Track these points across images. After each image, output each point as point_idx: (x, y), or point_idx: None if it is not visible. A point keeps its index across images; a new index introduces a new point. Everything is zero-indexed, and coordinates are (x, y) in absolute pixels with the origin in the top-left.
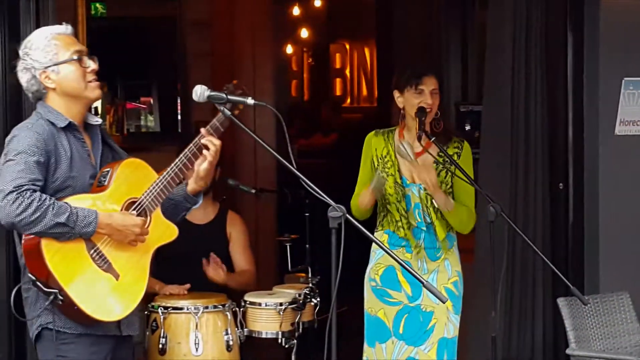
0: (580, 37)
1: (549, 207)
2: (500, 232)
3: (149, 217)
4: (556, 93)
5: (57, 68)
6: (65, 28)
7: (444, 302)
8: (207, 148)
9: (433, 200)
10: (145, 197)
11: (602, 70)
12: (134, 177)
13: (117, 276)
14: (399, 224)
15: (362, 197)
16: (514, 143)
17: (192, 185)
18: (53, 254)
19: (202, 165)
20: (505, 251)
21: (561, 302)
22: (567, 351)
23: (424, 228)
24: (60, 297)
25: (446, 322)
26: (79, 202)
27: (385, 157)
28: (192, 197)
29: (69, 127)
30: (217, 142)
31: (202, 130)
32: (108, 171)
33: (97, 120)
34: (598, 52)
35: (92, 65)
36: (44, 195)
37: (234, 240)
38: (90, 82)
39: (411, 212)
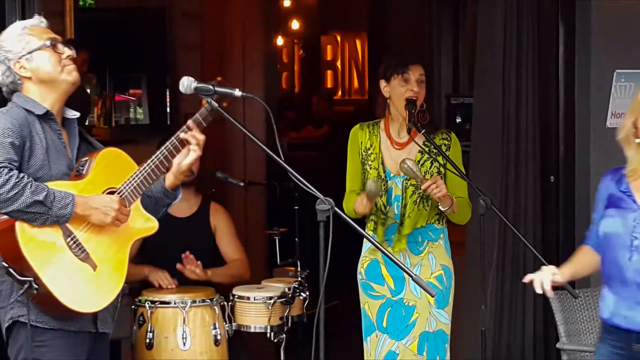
0: (572, 29)
1: (539, 200)
2: (491, 225)
3: (128, 209)
4: (547, 85)
5: (30, 56)
6: (39, 21)
7: (432, 296)
8: (189, 142)
9: (414, 193)
10: (124, 187)
11: (593, 62)
12: (113, 166)
13: (94, 267)
14: (373, 217)
15: (357, 206)
16: (505, 135)
17: (171, 179)
18: (28, 240)
19: (186, 160)
20: (495, 244)
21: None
22: (558, 345)
23: (398, 221)
24: (35, 286)
25: (428, 317)
26: (56, 186)
27: (369, 149)
28: (171, 191)
29: (46, 116)
30: (201, 136)
31: (189, 122)
32: (86, 160)
33: (74, 114)
34: (589, 44)
35: (67, 51)
36: (22, 174)
37: (220, 232)
38: (66, 66)
39: (391, 206)
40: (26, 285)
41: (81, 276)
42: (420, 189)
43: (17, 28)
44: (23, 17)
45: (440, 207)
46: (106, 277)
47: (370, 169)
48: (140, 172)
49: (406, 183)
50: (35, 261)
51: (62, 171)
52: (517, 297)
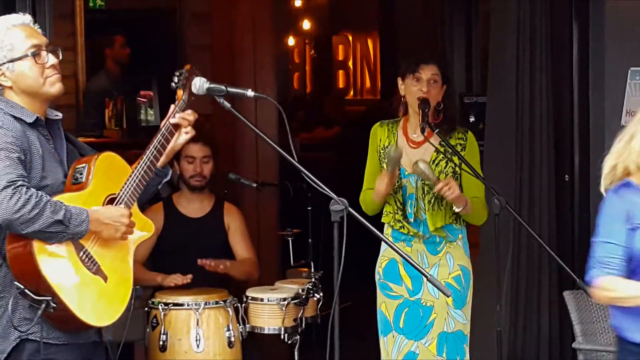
0: (586, 27)
1: (554, 199)
2: (505, 225)
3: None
4: (561, 83)
5: (11, 65)
6: (24, 18)
7: (448, 296)
8: (182, 125)
9: (429, 192)
10: (123, 192)
11: (607, 60)
12: (110, 172)
13: (105, 278)
14: (396, 216)
15: (378, 184)
16: (519, 135)
17: (162, 159)
18: (45, 259)
19: (179, 140)
20: (510, 244)
21: (567, 295)
22: (574, 345)
23: (412, 220)
24: (53, 305)
25: (446, 317)
26: (65, 201)
27: (387, 147)
28: (162, 170)
29: (36, 123)
30: (191, 117)
31: (172, 106)
32: (84, 167)
33: (56, 115)
34: (604, 41)
35: (51, 59)
36: (39, 192)
37: (233, 231)
38: (49, 77)
39: (405, 204)
40: (44, 305)
41: (94, 289)
42: (434, 190)
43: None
44: (34, 20)
45: (454, 208)
46: (115, 287)
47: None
48: (135, 174)
49: (420, 182)
50: (54, 280)
51: (59, 180)
52: (533, 296)
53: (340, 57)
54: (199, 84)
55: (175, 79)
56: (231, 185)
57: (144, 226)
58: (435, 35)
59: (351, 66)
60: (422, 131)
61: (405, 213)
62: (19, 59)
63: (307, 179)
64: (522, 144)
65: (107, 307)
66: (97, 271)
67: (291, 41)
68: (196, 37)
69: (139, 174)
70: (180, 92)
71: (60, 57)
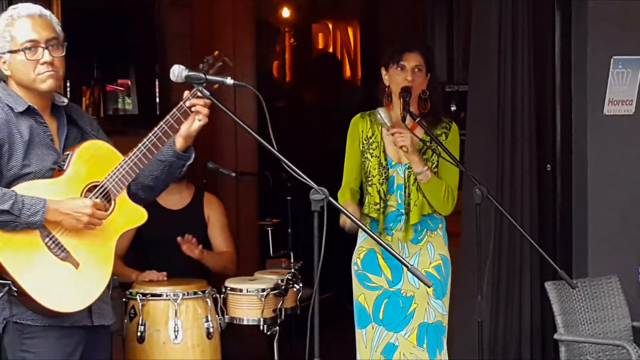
0: (568, 14)
1: (536, 189)
2: (486, 214)
3: (113, 202)
4: (543, 72)
5: (9, 56)
6: (34, 8)
7: (429, 287)
8: (191, 111)
9: (417, 181)
10: (107, 180)
11: (590, 48)
12: (95, 160)
13: (76, 265)
14: (376, 206)
15: (341, 221)
16: (501, 124)
17: (180, 142)
18: (4, 244)
19: (194, 126)
20: (491, 234)
21: (549, 286)
22: (555, 336)
23: (403, 210)
24: (15, 289)
25: (426, 307)
26: (31, 188)
27: (371, 138)
28: (183, 154)
29: (29, 111)
30: (200, 101)
31: (186, 92)
32: (68, 155)
33: (62, 101)
34: (586, 29)
35: (46, 56)
36: None
37: (212, 222)
38: (40, 74)
39: (393, 195)
40: (5, 289)
41: (62, 276)
42: (388, 133)
43: (5, 18)
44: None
45: (413, 169)
46: (90, 273)
47: (372, 157)
48: (126, 162)
49: (409, 171)
50: (12, 265)
51: (45, 167)
52: (514, 287)
53: (321, 46)
54: (178, 72)
55: (201, 66)
56: (210, 175)
57: (133, 215)
58: (416, 24)
59: None
60: (403, 120)
61: (388, 205)
62: (15, 51)
63: (286, 167)
64: (503, 134)
65: (77, 293)
66: (66, 257)
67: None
68: (176, 25)
69: (131, 162)
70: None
71: (63, 54)
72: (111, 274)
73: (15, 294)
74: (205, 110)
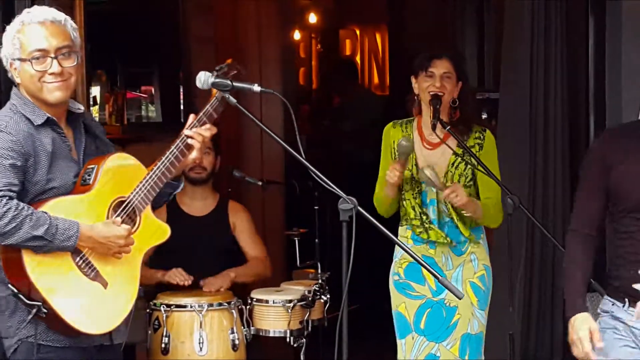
0: (602, 19)
1: (569, 198)
2: (519, 225)
3: (138, 217)
4: (577, 78)
5: (18, 64)
6: (50, 14)
7: (460, 299)
8: (193, 138)
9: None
10: (134, 195)
11: (624, 54)
12: (121, 173)
13: (105, 284)
14: (414, 221)
15: (389, 175)
16: (533, 132)
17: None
18: (36, 264)
19: (191, 156)
20: (523, 244)
21: None
22: None
23: (435, 226)
24: (44, 310)
25: (470, 318)
26: (59, 206)
27: None
28: (173, 182)
29: (48, 123)
30: (206, 133)
31: (191, 116)
32: (93, 168)
33: (78, 108)
34: (621, 34)
35: (54, 67)
36: (21, 204)
37: (240, 230)
38: (47, 84)
39: (427, 209)
40: (34, 310)
41: (92, 296)
42: (440, 197)
43: (17, 23)
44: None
45: (463, 212)
46: (117, 293)
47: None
48: (151, 177)
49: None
50: (44, 286)
51: (69, 180)
52: (546, 299)
53: (348, 52)
54: (204, 79)
55: (214, 74)
56: (235, 183)
57: (157, 231)
58: (446, 29)
59: (359, 61)
60: (433, 128)
61: (430, 220)
62: (22, 60)
63: (314, 176)
64: (536, 142)
65: (105, 314)
66: (96, 277)
67: (297, 35)
68: (199, 30)
69: (155, 176)
70: (214, 90)
71: (75, 63)
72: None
73: (44, 315)
74: (207, 134)
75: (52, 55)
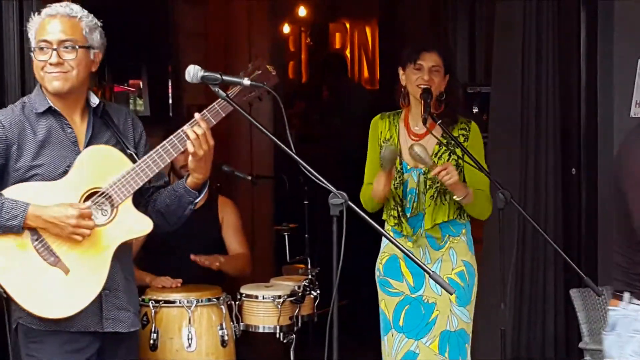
0: (594, 14)
1: (560, 193)
2: (509, 220)
3: (115, 209)
4: (569, 73)
5: (32, 54)
6: (61, 9)
7: (451, 294)
8: (188, 137)
9: (430, 188)
10: (110, 187)
11: (616, 50)
12: (100, 165)
13: (66, 271)
14: (393, 212)
15: (376, 185)
16: (524, 126)
17: (189, 178)
18: None
19: (188, 159)
20: (515, 240)
21: (574, 293)
22: (580, 345)
23: (409, 215)
24: (2, 291)
25: (449, 315)
26: (27, 189)
27: (389, 140)
28: (191, 190)
29: (50, 112)
30: (200, 130)
31: (196, 115)
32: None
33: (93, 102)
34: (612, 30)
35: (52, 58)
36: None
37: (227, 224)
38: (47, 73)
39: (406, 199)
40: (1, 290)
41: (49, 281)
42: (430, 175)
43: (34, 17)
44: (20, 5)
45: (454, 197)
46: (81, 280)
47: None
48: (133, 169)
49: (422, 177)
50: None
51: (58, 169)
52: (538, 294)
53: (338, 46)
54: (193, 72)
55: (241, 73)
56: (225, 178)
57: (138, 223)
58: (437, 23)
59: (349, 55)
60: (424, 122)
61: (404, 209)
62: (32, 50)
63: (304, 171)
64: (527, 137)
65: (64, 299)
66: (56, 262)
67: (286, 29)
68: (190, 24)
69: (139, 169)
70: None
71: (74, 56)
72: (105, 281)
73: (5, 296)
74: (200, 132)
75: (54, 46)
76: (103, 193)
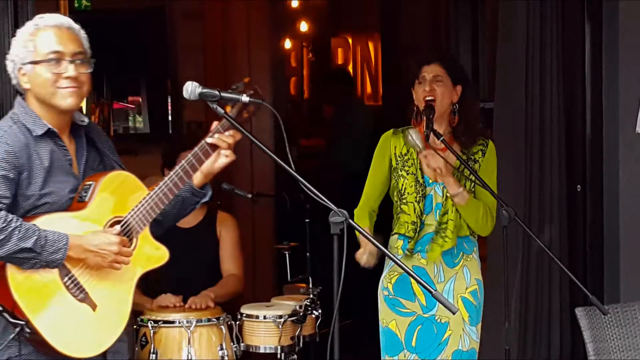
0: (599, 29)
1: (565, 210)
2: (514, 237)
3: (135, 239)
4: (573, 89)
5: (30, 68)
6: (62, 19)
7: (454, 313)
8: (219, 147)
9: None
10: (131, 216)
11: (622, 65)
12: (119, 192)
13: (94, 307)
14: (413, 226)
15: (357, 256)
16: (528, 142)
17: (199, 178)
18: (20, 281)
19: (217, 163)
20: (519, 258)
21: (579, 312)
22: None
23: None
24: (28, 330)
25: (462, 334)
26: (52, 222)
27: (406, 155)
28: (199, 190)
29: (49, 134)
30: (230, 140)
31: (208, 137)
32: (90, 185)
33: (82, 120)
34: (618, 44)
35: (70, 70)
36: (10, 216)
37: (224, 240)
38: (61, 88)
39: (431, 213)
40: (18, 329)
41: (79, 319)
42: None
43: (28, 28)
44: (15, 21)
45: (448, 192)
46: (107, 316)
47: (408, 174)
48: (151, 196)
49: (446, 190)
50: (27, 304)
51: (65, 196)
52: (543, 313)
53: (340, 61)
54: (191, 89)
55: (229, 92)
56: (225, 196)
57: (154, 253)
58: (439, 38)
59: (351, 70)
60: (427, 138)
61: (425, 224)
62: (38, 62)
63: (305, 189)
64: (531, 153)
65: (93, 337)
66: (84, 298)
67: (288, 44)
68: (187, 38)
69: (156, 197)
70: (228, 107)
71: (89, 70)
72: (128, 318)
73: (28, 335)
74: (231, 141)
75: (69, 59)
76: (125, 222)
